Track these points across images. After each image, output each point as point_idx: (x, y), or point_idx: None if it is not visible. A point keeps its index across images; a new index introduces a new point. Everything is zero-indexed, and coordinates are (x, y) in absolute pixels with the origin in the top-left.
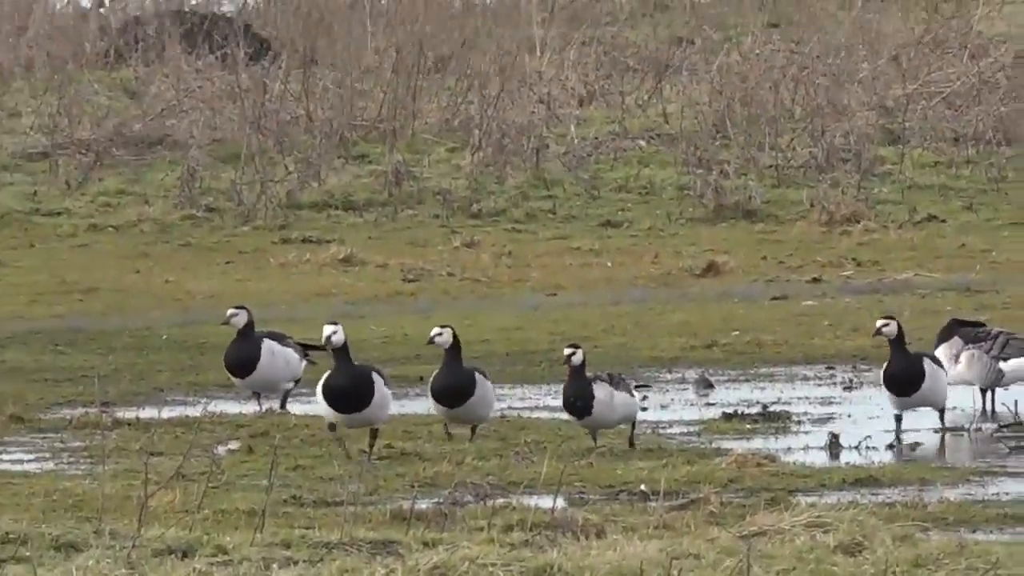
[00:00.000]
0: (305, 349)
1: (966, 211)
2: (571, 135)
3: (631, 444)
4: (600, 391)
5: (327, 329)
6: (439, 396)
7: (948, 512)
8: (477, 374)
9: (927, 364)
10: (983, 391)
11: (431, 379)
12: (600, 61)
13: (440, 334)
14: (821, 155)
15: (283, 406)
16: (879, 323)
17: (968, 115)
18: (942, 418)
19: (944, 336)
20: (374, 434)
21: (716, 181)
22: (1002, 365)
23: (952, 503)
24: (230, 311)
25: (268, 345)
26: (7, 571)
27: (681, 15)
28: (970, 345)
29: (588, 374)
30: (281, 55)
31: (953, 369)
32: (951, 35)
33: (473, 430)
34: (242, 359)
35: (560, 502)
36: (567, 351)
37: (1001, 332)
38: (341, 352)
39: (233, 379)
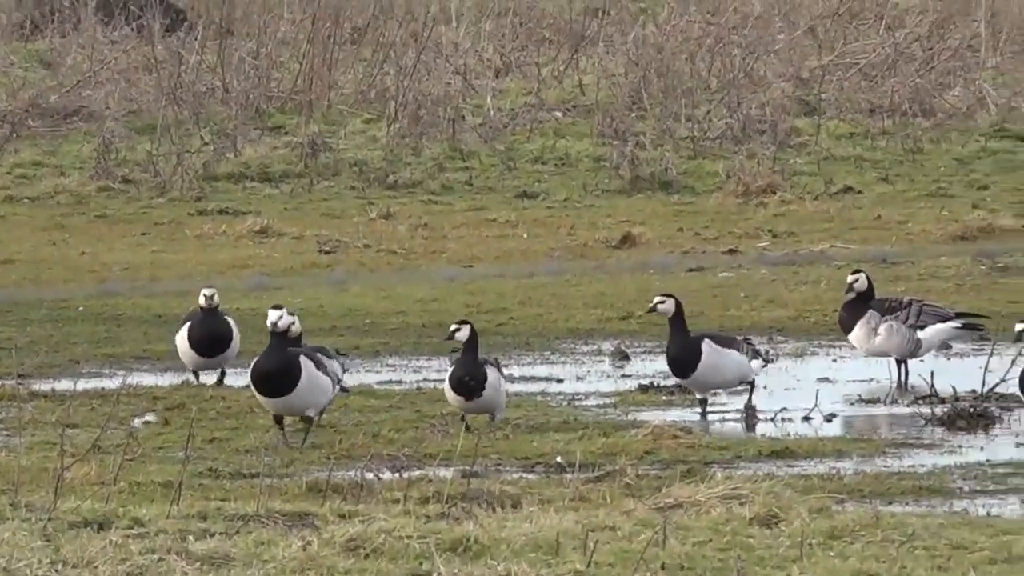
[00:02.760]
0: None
1: (882, 182)
2: (487, 106)
3: (467, 428)
4: (492, 374)
5: (273, 314)
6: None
7: (864, 484)
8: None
9: (705, 345)
10: (899, 363)
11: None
12: (516, 32)
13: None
14: (737, 126)
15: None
16: (656, 300)
17: (884, 86)
18: (750, 393)
19: (851, 316)
20: (308, 421)
21: (632, 152)
22: (919, 334)
23: (868, 475)
24: (453, 326)
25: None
26: None
27: None
28: (887, 317)
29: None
30: (196, 26)
31: (873, 343)
32: (867, 6)
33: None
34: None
35: (476, 474)
36: (453, 327)
37: (913, 300)
38: (279, 336)
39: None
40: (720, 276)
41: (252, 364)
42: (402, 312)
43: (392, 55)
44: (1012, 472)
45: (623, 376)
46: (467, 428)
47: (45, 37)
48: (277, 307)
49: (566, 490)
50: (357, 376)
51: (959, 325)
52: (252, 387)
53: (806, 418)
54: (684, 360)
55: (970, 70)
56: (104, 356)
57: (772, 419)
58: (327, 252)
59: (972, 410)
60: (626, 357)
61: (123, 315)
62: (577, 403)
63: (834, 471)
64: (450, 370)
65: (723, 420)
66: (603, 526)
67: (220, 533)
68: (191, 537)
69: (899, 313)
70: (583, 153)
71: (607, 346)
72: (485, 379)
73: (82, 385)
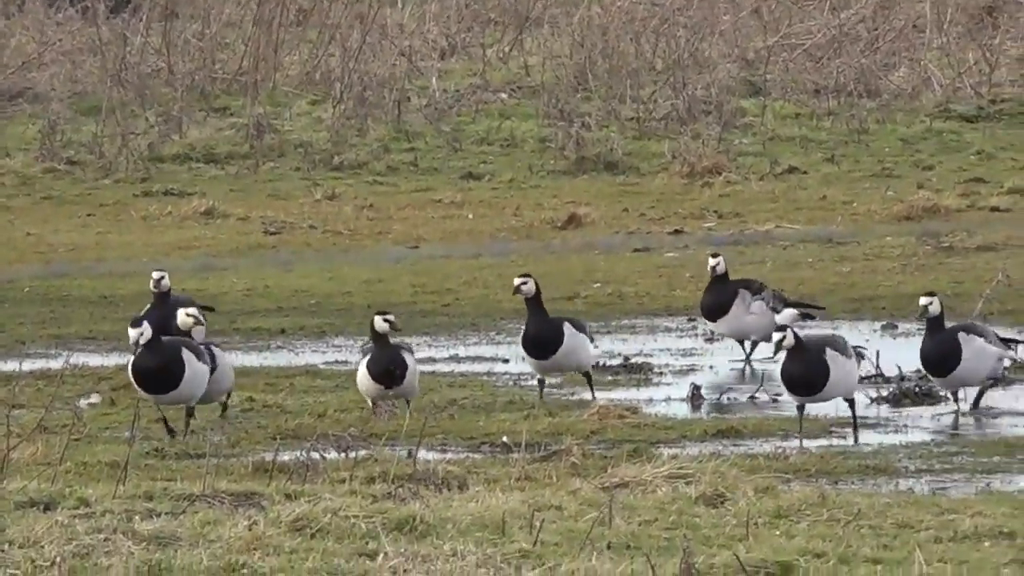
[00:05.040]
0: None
1: (827, 163)
2: (432, 88)
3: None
4: (410, 360)
5: (133, 333)
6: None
7: (810, 463)
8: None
9: (566, 327)
10: (755, 344)
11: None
12: (461, 13)
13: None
14: (682, 107)
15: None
16: (517, 281)
17: (829, 67)
18: (590, 382)
19: (720, 297)
20: (190, 412)
21: (577, 133)
22: (776, 317)
23: (813, 454)
24: (386, 319)
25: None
26: None
27: None
28: (756, 297)
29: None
30: (142, 7)
31: (743, 322)
32: None
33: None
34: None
35: (422, 454)
36: (388, 317)
37: (765, 284)
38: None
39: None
40: (665, 256)
41: (131, 362)
42: (348, 293)
43: (337, 36)
44: (957, 451)
45: None
46: (379, 413)
47: None
48: (136, 324)
49: (512, 470)
50: (303, 356)
51: (797, 313)
52: (134, 384)
53: (751, 398)
54: (546, 341)
55: (915, 51)
56: (50, 337)
57: (718, 399)
58: (272, 233)
59: (917, 389)
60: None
61: (69, 296)
62: (523, 383)
63: (780, 450)
64: (365, 359)
65: (668, 400)
66: (549, 505)
67: (166, 513)
68: (137, 517)
69: (763, 295)
70: (528, 134)
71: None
72: (407, 368)
73: (28, 366)
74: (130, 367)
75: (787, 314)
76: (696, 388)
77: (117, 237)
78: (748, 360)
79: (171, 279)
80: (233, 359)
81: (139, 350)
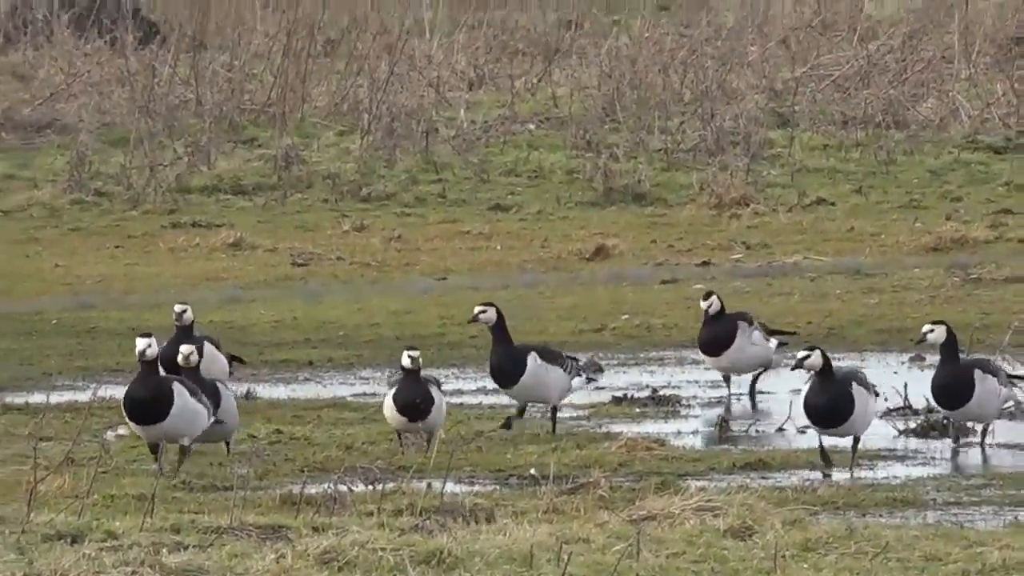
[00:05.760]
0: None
1: (855, 194)
2: (460, 119)
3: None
4: (437, 395)
5: (141, 343)
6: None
7: (837, 496)
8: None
9: (531, 358)
10: (757, 375)
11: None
12: (489, 45)
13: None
14: (710, 138)
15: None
16: (477, 309)
17: (857, 98)
18: (553, 415)
19: (720, 332)
20: (183, 451)
21: (605, 164)
22: (769, 345)
23: (841, 487)
24: (412, 354)
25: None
26: None
27: None
28: (751, 328)
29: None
30: (170, 39)
31: (745, 354)
32: (840, 18)
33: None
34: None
35: (449, 487)
36: (411, 354)
37: (749, 314)
38: (148, 364)
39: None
40: (693, 288)
41: (125, 391)
42: (376, 324)
43: (366, 68)
44: (985, 483)
45: (597, 388)
46: (407, 445)
47: (18, 50)
48: (145, 335)
49: (540, 502)
50: (331, 388)
51: (777, 343)
52: (124, 414)
53: (779, 430)
54: (507, 370)
55: (943, 82)
56: (77, 369)
57: (745, 431)
58: (300, 265)
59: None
60: (600, 369)
61: (96, 328)
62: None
63: (808, 483)
64: (392, 391)
65: (696, 432)
66: (577, 538)
67: (194, 546)
68: (165, 550)
69: (755, 326)
70: (556, 165)
71: (580, 358)
72: (432, 402)
73: (55, 398)
74: (122, 397)
75: (773, 343)
76: (724, 420)
77: (145, 269)
78: (752, 392)
79: (199, 311)
80: (260, 391)
81: (132, 382)
